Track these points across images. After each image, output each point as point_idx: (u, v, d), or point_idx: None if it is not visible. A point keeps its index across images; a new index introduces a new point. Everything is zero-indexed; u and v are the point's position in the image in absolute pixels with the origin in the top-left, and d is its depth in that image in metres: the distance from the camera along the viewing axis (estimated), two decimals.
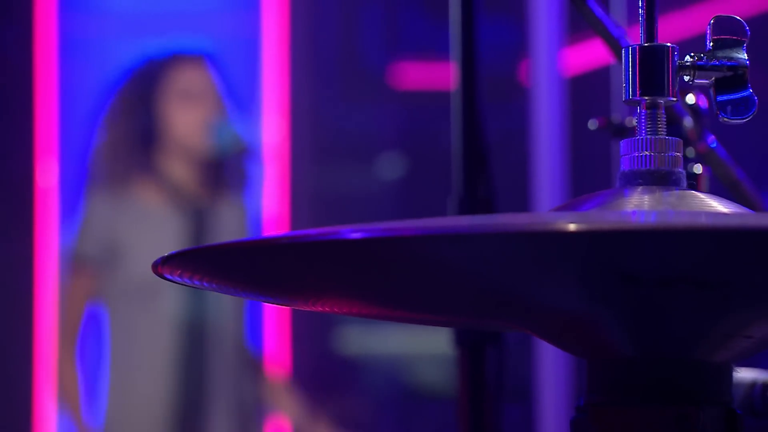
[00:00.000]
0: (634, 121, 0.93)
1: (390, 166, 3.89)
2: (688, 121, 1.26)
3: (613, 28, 1.21)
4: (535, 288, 0.80)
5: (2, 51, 3.68)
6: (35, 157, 3.63)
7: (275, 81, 3.72)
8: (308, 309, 0.92)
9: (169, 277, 0.85)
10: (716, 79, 0.92)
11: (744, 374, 1.00)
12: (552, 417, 3.22)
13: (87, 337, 3.29)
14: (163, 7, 3.74)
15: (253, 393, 3.02)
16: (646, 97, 0.92)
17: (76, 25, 3.72)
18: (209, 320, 2.93)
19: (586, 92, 3.29)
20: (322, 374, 3.76)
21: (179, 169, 2.95)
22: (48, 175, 3.62)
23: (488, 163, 1.51)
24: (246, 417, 2.99)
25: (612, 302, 0.82)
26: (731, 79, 0.92)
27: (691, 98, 1.27)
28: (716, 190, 1.20)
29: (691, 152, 1.26)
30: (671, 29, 2.91)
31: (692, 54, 0.92)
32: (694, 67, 0.92)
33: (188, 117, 2.94)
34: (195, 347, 2.91)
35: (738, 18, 0.93)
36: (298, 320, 3.62)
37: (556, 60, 3.31)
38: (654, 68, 0.91)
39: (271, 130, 3.64)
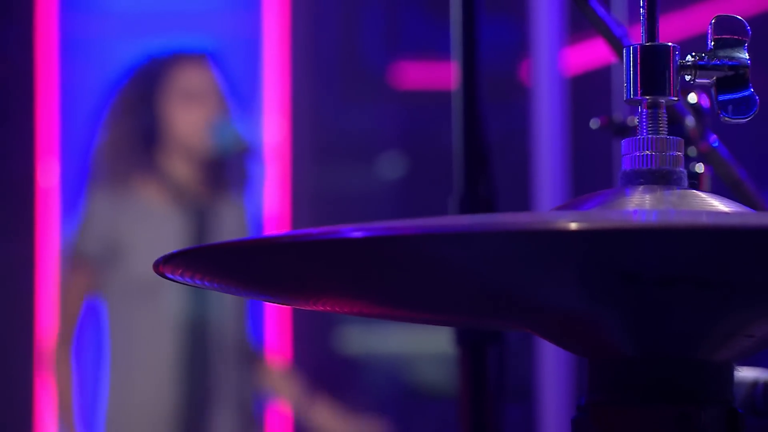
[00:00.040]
0: (636, 121, 0.93)
1: (391, 166, 3.89)
2: (689, 121, 1.26)
3: (614, 28, 1.21)
4: (536, 287, 0.80)
5: (3, 51, 3.68)
6: (36, 157, 3.63)
7: (276, 80, 3.72)
8: (309, 308, 0.92)
9: (170, 276, 0.85)
10: (717, 79, 0.92)
11: (745, 373, 1.00)
12: (553, 416, 3.22)
13: (87, 336, 3.29)
14: (163, 6, 3.74)
15: (255, 387, 3.02)
16: (648, 97, 0.92)
17: (76, 24, 3.72)
18: (211, 319, 2.93)
19: (587, 92, 3.29)
20: (323, 373, 3.76)
21: (181, 168, 2.95)
22: (49, 175, 3.63)
23: (489, 162, 1.51)
24: (248, 416, 2.99)
25: (613, 301, 0.82)
26: (732, 78, 0.92)
27: (692, 97, 1.27)
28: (718, 190, 1.20)
29: (692, 151, 1.26)
30: (672, 29, 2.91)
31: (693, 53, 0.92)
32: (696, 67, 0.92)
33: (190, 117, 2.94)
34: (196, 346, 2.91)
35: (739, 18, 0.93)
36: (299, 319, 3.62)
37: (557, 59, 3.31)
38: (655, 68, 0.91)
39: (272, 129, 3.64)
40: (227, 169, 2.98)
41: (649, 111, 0.92)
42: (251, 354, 3.02)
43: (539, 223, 0.74)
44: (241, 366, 2.97)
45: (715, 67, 0.92)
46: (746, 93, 0.92)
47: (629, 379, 0.87)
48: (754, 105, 0.92)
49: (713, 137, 1.28)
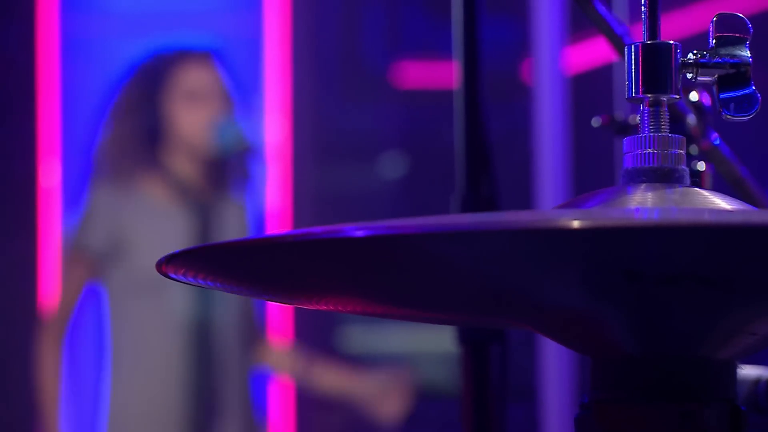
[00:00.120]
0: (637, 119, 0.93)
1: (392, 165, 3.89)
2: (691, 119, 1.26)
3: (616, 26, 1.21)
4: (538, 286, 0.80)
5: (4, 50, 3.68)
6: (38, 157, 3.63)
7: (277, 80, 3.72)
8: (312, 307, 0.92)
9: (173, 276, 0.86)
10: (719, 77, 0.92)
11: (748, 371, 1.00)
12: (556, 415, 3.22)
13: (88, 333, 3.29)
14: (164, 6, 3.74)
15: (258, 364, 3.02)
16: (649, 95, 0.92)
17: (77, 24, 3.72)
18: (215, 315, 2.93)
19: (589, 90, 3.29)
20: None
21: (184, 166, 2.95)
22: (51, 175, 3.63)
23: (491, 161, 1.51)
24: (250, 415, 2.99)
25: (616, 300, 0.82)
26: (734, 76, 0.92)
27: (694, 95, 1.27)
28: (719, 188, 1.20)
29: (693, 150, 1.26)
30: (673, 27, 2.91)
31: (695, 51, 0.92)
32: (697, 65, 0.92)
33: (193, 116, 2.94)
34: (200, 342, 2.91)
35: (741, 15, 0.93)
36: (300, 319, 3.62)
37: (559, 59, 3.31)
38: (657, 66, 0.91)
39: (273, 129, 3.64)
40: (229, 168, 2.98)
41: (651, 109, 0.92)
42: (255, 335, 3.01)
43: (542, 222, 0.74)
44: (245, 347, 2.97)
45: (717, 65, 0.92)
46: (748, 91, 0.92)
47: (632, 377, 0.87)
48: (756, 103, 0.92)
49: (714, 135, 1.28)
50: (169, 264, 0.84)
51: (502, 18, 3.72)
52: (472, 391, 1.49)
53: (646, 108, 0.92)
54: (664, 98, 0.92)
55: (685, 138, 0.93)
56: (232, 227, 2.96)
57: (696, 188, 0.91)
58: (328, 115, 3.87)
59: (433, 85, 3.79)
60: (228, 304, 2.94)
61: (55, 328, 2.94)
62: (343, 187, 3.85)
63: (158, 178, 2.95)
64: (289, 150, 3.72)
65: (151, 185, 2.95)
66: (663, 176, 0.90)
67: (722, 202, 0.89)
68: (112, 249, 2.91)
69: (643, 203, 0.88)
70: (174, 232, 2.91)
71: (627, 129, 1.31)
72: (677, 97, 0.92)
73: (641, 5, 0.93)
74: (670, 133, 0.92)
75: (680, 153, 0.92)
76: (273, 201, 3.62)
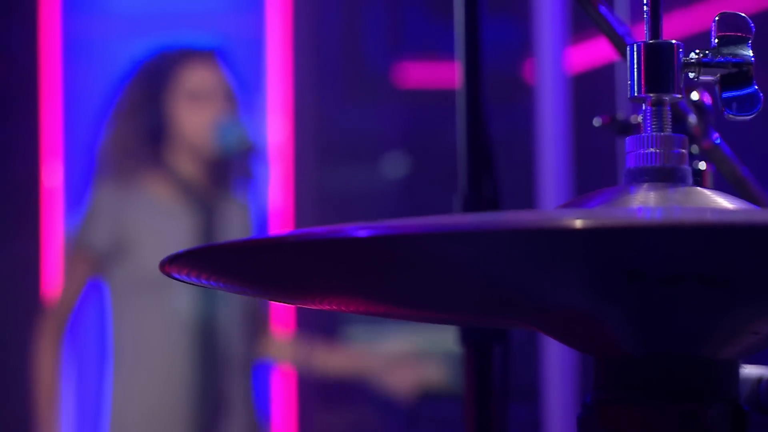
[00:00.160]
0: (639, 118, 0.93)
1: (394, 165, 3.89)
2: (692, 118, 1.26)
3: (617, 26, 1.21)
4: (541, 285, 0.80)
5: (7, 51, 3.68)
6: (41, 157, 3.63)
7: (279, 80, 3.72)
8: (315, 307, 0.92)
9: (176, 276, 0.86)
10: (721, 76, 0.92)
11: (750, 370, 1.00)
12: (558, 414, 3.22)
13: (90, 331, 3.29)
14: (166, 7, 3.74)
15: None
16: (652, 94, 0.92)
17: (80, 25, 3.73)
18: (218, 314, 2.93)
19: (591, 90, 3.29)
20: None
21: (187, 166, 2.95)
22: (53, 175, 3.63)
23: (493, 161, 1.51)
24: (253, 415, 2.99)
25: (618, 299, 0.82)
26: (736, 75, 0.92)
27: (695, 95, 1.27)
28: (720, 187, 1.20)
29: (694, 149, 1.26)
30: (674, 27, 2.91)
31: (697, 51, 0.92)
32: (699, 64, 0.92)
33: (197, 117, 2.94)
34: (203, 341, 2.91)
35: (743, 15, 0.93)
36: (302, 318, 3.62)
37: (561, 58, 3.31)
38: (659, 65, 0.91)
39: (275, 129, 3.64)
40: (232, 167, 2.98)
41: (653, 108, 0.92)
42: (258, 332, 3.02)
43: (544, 222, 0.74)
44: (248, 345, 2.97)
45: (719, 65, 0.92)
46: (750, 90, 0.92)
47: (634, 377, 0.87)
48: (758, 102, 0.92)
49: (715, 135, 1.28)
50: (172, 264, 0.84)
51: (504, 18, 3.72)
52: (475, 390, 1.49)
53: (648, 107, 0.92)
54: (667, 98, 0.92)
55: (687, 137, 0.93)
56: (236, 226, 2.96)
57: (698, 188, 0.91)
58: (329, 115, 3.87)
59: (435, 85, 3.79)
60: (231, 302, 2.94)
61: (54, 324, 2.93)
62: (345, 187, 3.85)
63: (161, 177, 2.95)
64: (290, 150, 3.72)
65: (154, 184, 2.95)
66: (665, 176, 0.90)
67: (725, 202, 0.89)
68: (116, 247, 2.91)
69: (645, 203, 0.88)
70: (177, 231, 2.91)
71: (629, 128, 1.31)
72: (679, 96, 0.92)
73: (643, 5, 0.93)
74: (672, 132, 0.92)
75: (682, 152, 0.92)
76: (275, 201, 3.62)
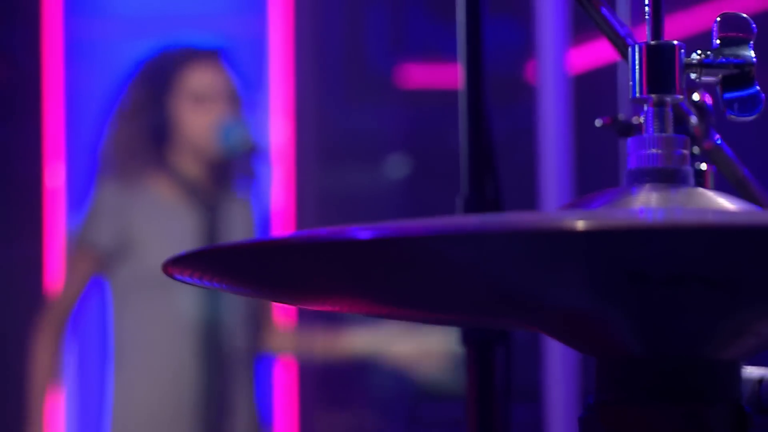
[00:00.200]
0: (641, 119, 0.94)
1: (396, 166, 3.90)
2: (693, 119, 1.26)
3: (619, 27, 1.21)
4: (543, 287, 0.80)
5: (10, 53, 3.69)
6: (43, 158, 3.63)
7: (281, 81, 3.72)
8: (317, 308, 0.92)
9: (179, 277, 0.86)
10: (723, 77, 0.92)
11: (752, 371, 1.00)
12: (561, 415, 3.22)
13: (93, 330, 3.29)
14: (168, 9, 3.74)
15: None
16: (653, 95, 0.92)
17: (82, 27, 3.73)
18: (222, 313, 2.93)
19: (593, 91, 3.29)
20: (329, 374, 3.76)
21: (190, 166, 2.96)
22: (56, 176, 3.63)
23: (495, 162, 1.51)
24: (255, 416, 2.99)
25: (620, 301, 0.82)
26: (738, 76, 0.92)
27: (696, 96, 1.27)
28: (722, 188, 1.20)
29: (696, 150, 1.26)
30: (675, 27, 2.91)
31: (699, 52, 0.92)
32: (701, 65, 0.92)
33: (200, 119, 2.94)
34: (207, 340, 2.90)
35: (744, 15, 0.93)
36: (304, 319, 3.62)
37: (562, 59, 3.31)
38: (661, 66, 0.91)
39: (277, 130, 3.64)
40: (235, 168, 2.98)
41: (655, 109, 0.92)
42: (262, 332, 3.02)
43: (547, 223, 0.74)
44: (252, 345, 2.97)
45: (721, 65, 0.92)
46: (752, 91, 0.92)
47: (637, 377, 0.87)
48: (760, 103, 0.92)
49: (717, 136, 1.28)
50: (175, 266, 0.84)
51: (506, 19, 3.72)
52: (477, 391, 1.49)
53: (650, 108, 0.92)
54: (668, 98, 0.92)
55: (688, 138, 0.93)
56: (239, 226, 2.95)
57: (700, 189, 0.91)
58: (331, 115, 3.87)
59: (437, 86, 3.79)
60: (235, 302, 2.94)
61: (52, 320, 2.93)
62: (347, 188, 3.85)
63: (165, 177, 2.95)
64: (292, 151, 3.72)
65: (157, 183, 2.95)
66: (667, 177, 0.90)
67: (726, 203, 0.89)
68: (119, 246, 2.91)
69: (647, 204, 0.88)
70: (180, 231, 2.91)
71: (630, 129, 1.31)
72: (681, 97, 0.92)
73: (644, 6, 0.93)
74: (673, 133, 0.92)
75: (684, 153, 0.92)
76: (276, 201, 3.62)
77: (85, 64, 3.70)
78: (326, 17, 3.86)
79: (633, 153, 0.92)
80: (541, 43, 3.32)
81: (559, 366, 3.24)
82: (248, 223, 3.00)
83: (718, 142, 1.28)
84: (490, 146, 1.50)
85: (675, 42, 0.92)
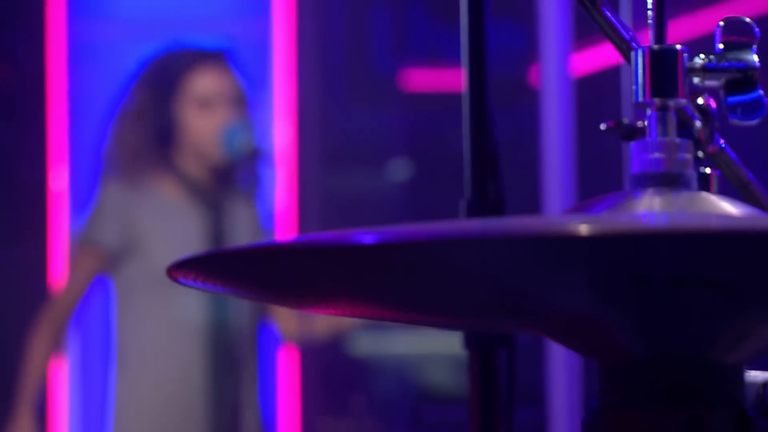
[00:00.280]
0: (645, 123, 0.94)
1: (399, 169, 3.90)
2: (697, 123, 1.26)
3: (622, 31, 1.21)
4: (547, 291, 0.81)
5: (14, 55, 3.69)
6: (48, 160, 3.63)
7: (284, 84, 3.72)
8: (321, 312, 0.92)
9: (182, 281, 0.86)
10: (726, 81, 0.92)
11: (755, 375, 1.00)
12: (563, 419, 3.22)
13: (96, 329, 3.29)
14: (172, 12, 3.75)
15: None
16: (657, 100, 0.92)
17: (86, 30, 3.73)
18: (227, 314, 2.93)
19: (596, 94, 3.29)
20: (332, 376, 3.76)
21: (195, 168, 2.96)
22: (60, 178, 3.63)
23: (498, 165, 1.51)
24: (258, 416, 2.99)
25: (623, 304, 0.82)
26: (741, 81, 0.92)
27: (700, 100, 1.27)
28: (725, 192, 1.20)
29: (700, 154, 1.26)
30: (677, 29, 2.91)
31: (702, 56, 0.93)
32: (704, 69, 0.92)
33: (205, 123, 2.93)
34: (211, 341, 2.90)
35: (747, 20, 0.93)
36: None
37: (566, 63, 3.31)
38: (664, 70, 0.91)
39: (280, 133, 3.64)
40: (239, 171, 2.98)
41: (658, 114, 0.92)
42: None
43: (550, 228, 0.74)
44: (255, 347, 2.96)
45: (724, 70, 0.92)
46: (755, 95, 0.92)
47: (640, 381, 0.87)
48: (763, 107, 0.92)
49: (720, 139, 1.28)
50: (179, 270, 0.84)
51: (509, 23, 3.72)
52: (480, 394, 1.49)
53: (653, 112, 0.92)
54: (672, 103, 0.92)
55: (692, 142, 0.93)
56: (244, 226, 2.95)
57: (703, 192, 0.91)
58: (334, 119, 3.87)
59: (440, 89, 3.79)
60: (239, 304, 2.94)
61: (52, 316, 2.93)
62: (350, 191, 3.85)
63: (169, 178, 2.95)
64: (295, 153, 3.72)
65: (162, 184, 2.95)
66: (670, 181, 0.90)
67: (730, 207, 0.89)
68: (123, 245, 2.91)
69: (650, 208, 0.88)
70: (186, 231, 2.92)
71: (634, 133, 1.31)
72: (684, 101, 0.92)
73: (647, 10, 0.93)
74: (677, 137, 0.92)
75: (687, 157, 0.92)
76: (279, 204, 3.62)
77: (88, 67, 3.70)
78: (329, 20, 3.86)
79: (636, 157, 0.92)
80: (544, 46, 3.32)
81: (562, 369, 3.24)
82: (254, 223, 3.00)
83: (723, 145, 1.28)
84: (493, 149, 1.50)
85: (678, 46, 0.92)
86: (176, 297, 2.88)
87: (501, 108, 1.59)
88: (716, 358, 0.87)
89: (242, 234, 2.92)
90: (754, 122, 0.93)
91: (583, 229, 0.72)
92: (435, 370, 3.82)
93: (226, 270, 0.86)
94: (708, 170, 1.24)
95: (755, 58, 0.93)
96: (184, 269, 0.84)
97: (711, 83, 0.93)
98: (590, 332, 0.86)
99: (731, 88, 0.92)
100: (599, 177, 3.26)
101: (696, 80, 0.93)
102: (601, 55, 3.35)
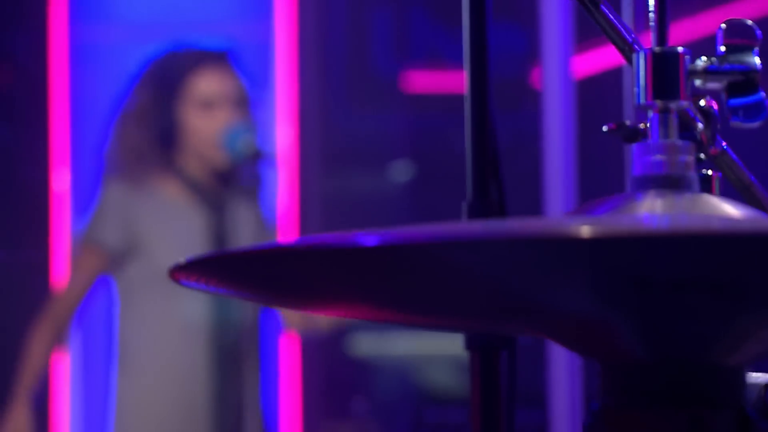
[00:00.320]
0: (647, 126, 0.94)
1: (400, 171, 3.90)
2: (699, 125, 1.26)
3: (625, 33, 1.21)
4: (548, 293, 0.81)
5: (16, 57, 3.69)
6: (50, 162, 3.64)
7: (286, 87, 3.72)
8: (323, 314, 0.92)
9: (185, 283, 0.86)
10: (728, 84, 0.92)
11: (757, 377, 1.00)
12: (565, 420, 3.22)
13: (99, 329, 3.30)
14: (173, 13, 3.75)
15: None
16: (658, 102, 0.92)
17: (88, 32, 3.73)
18: (229, 314, 2.93)
19: (598, 97, 3.29)
20: (333, 377, 3.76)
21: (197, 168, 2.96)
22: (62, 180, 3.64)
23: (500, 167, 1.51)
24: (260, 417, 2.99)
25: (625, 306, 0.82)
26: (743, 83, 0.92)
27: (702, 102, 1.27)
28: (727, 194, 1.20)
29: (702, 156, 1.26)
30: (679, 32, 2.91)
31: (704, 59, 0.93)
32: (706, 72, 0.92)
33: (208, 125, 2.93)
34: (214, 341, 2.90)
35: (749, 22, 0.93)
36: None
37: (567, 65, 3.31)
38: (666, 73, 0.91)
39: (282, 134, 3.64)
40: (242, 172, 2.98)
41: (660, 116, 0.92)
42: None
43: (552, 230, 0.74)
44: (257, 347, 2.96)
45: (726, 72, 0.92)
46: (757, 98, 0.92)
47: (641, 383, 0.87)
48: (765, 110, 0.92)
49: (723, 142, 1.28)
50: (181, 272, 0.84)
51: (511, 24, 3.72)
52: (481, 396, 1.49)
53: (655, 114, 0.92)
54: (673, 105, 0.92)
55: (694, 144, 0.93)
56: (247, 227, 2.95)
57: (705, 195, 0.91)
58: (336, 120, 3.87)
59: (441, 91, 3.80)
60: (242, 304, 2.94)
61: (53, 314, 2.93)
62: (351, 193, 3.86)
63: (172, 178, 2.95)
64: (296, 155, 3.72)
65: (165, 185, 2.95)
66: (672, 183, 0.90)
67: (732, 209, 0.89)
68: (126, 246, 2.91)
69: (652, 210, 0.88)
70: (188, 231, 2.92)
71: (636, 135, 1.31)
72: (686, 104, 0.92)
73: (649, 12, 0.93)
74: (678, 139, 0.92)
75: (689, 160, 0.92)
76: (281, 206, 3.62)
77: (91, 68, 3.70)
78: (331, 22, 3.86)
79: (638, 159, 0.92)
80: (545, 48, 3.32)
81: (564, 371, 3.24)
82: (257, 224, 2.99)
83: (725, 147, 1.28)
84: (495, 151, 1.50)
85: (680, 49, 0.92)
86: (178, 297, 2.88)
87: (503, 110, 1.59)
88: (718, 359, 0.87)
89: (244, 235, 2.92)
90: (755, 124, 0.93)
91: (585, 231, 0.72)
92: (436, 372, 3.82)
93: (227, 272, 0.86)
94: (710, 172, 1.24)
95: (757, 60, 0.93)
96: (186, 271, 0.84)
97: (713, 86, 0.93)
98: (592, 334, 0.86)
99: (733, 90, 0.93)
100: (601, 179, 3.26)
101: (698, 83, 0.93)
102: (603, 57, 3.35)
